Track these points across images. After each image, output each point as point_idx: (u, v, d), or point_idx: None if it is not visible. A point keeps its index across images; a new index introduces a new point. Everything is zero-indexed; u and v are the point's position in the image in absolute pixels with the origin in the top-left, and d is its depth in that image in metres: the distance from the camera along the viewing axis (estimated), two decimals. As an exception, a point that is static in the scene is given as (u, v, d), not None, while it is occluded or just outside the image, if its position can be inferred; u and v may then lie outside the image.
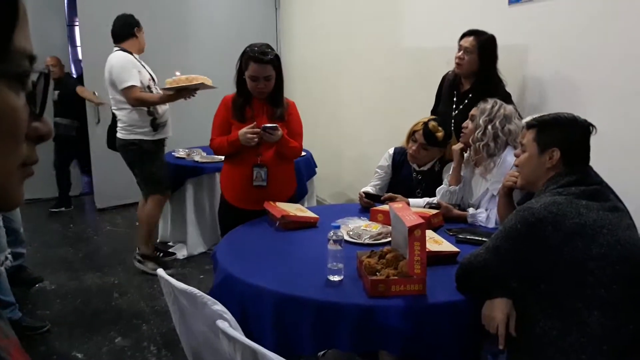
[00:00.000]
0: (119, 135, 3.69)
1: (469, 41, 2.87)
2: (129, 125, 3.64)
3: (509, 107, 2.41)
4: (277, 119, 2.61)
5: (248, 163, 2.62)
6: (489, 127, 2.35)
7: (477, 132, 2.37)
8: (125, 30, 3.73)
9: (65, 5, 6.22)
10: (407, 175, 2.81)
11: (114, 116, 3.76)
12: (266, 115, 2.63)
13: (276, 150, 2.63)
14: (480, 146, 2.37)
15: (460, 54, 2.90)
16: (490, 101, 2.41)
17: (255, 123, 2.54)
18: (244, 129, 2.52)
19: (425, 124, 2.67)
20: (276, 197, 2.62)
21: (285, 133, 2.62)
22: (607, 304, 1.43)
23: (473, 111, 2.44)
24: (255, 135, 2.51)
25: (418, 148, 2.68)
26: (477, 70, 2.87)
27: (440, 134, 2.65)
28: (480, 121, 2.37)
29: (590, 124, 1.67)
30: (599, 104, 2.54)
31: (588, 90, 2.62)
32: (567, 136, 1.66)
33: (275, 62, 2.56)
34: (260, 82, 2.54)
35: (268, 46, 2.59)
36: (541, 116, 1.76)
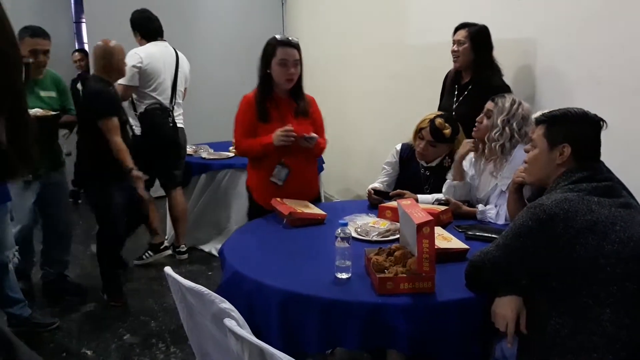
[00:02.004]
0: (182, 125, 3.94)
1: (460, 34, 2.94)
2: None
3: (527, 106, 2.35)
4: (301, 115, 2.61)
5: (274, 162, 2.59)
6: (507, 128, 2.30)
7: (495, 132, 2.31)
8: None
9: (72, 2, 6.23)
10: (415, 171, 2.78)
11: (163, 114, 3.76)
12: (292, 113, 2.62)
13: (306, 151, 2.60)
14: (497, 146, 2.32)
15: (454, 47, 2.96)
16: (509, 98, 2.34)
17: (290, 126, 2.50)
18: (278, 131, 2.48)
19: (432, 120, 2.64)
20: (299, 198, 2.58)
21: (312, 130, 2.62)
22: (619, 302, 1.41)
23: (489, 106, 2.37)
24: (290, 137, 2.48)
25: (426, 145, 2.65)
26: (473, 61, 2.92)
27: (447, 131, 2.61)
28: (498, 121, 2.31)
29: (601, 119, 1.64)
30: (611, 98, 2.50)
31: (600, 84, 2.58)
32: (577, 132, 1.63)
33: (299, 48, 2.58)
34: (289, 66, 2.52)
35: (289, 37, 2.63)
36: (551, 112, 1.73)
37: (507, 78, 2.91)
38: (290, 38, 2.58)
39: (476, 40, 2.89)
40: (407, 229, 1.81)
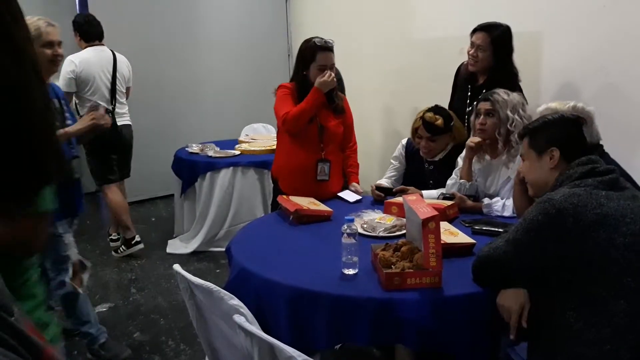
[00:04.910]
0: (128, 122, 4.14)
1: (480, 38, 2.76)
2: None
3: (514, 93, 2.42)
4: (336, 112, 2.73)
5: (310, 158, 2.70)
6: (517, 116, 2.34)
7: (509, 124, 2.35)
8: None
9: (77, 0, 6.25)
10: (419, 166, 2.80)
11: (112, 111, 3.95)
12: (325, 108, 2.71)
13: (337, 141, 2.78)
14: (515, 136, 2.33)
15: (472, 51, 2.80)
16: (501, 92, 2.40)
17: (331, 73, 2.59)
18: (321, 78, 2.57)
19: (422, 117, 2.67)
20: (332, 190, 2.74)
21: (342, 131, 2.78)
22: (633, 293, 1.41)
23: (486, 106, 2.40)
24: (333, 78, 2.59)
25: (426, 142, 2.69)
26: (492, 66, 2.79)
27: (439, 122, 2.64)
28: (507, 112, 2.35)
29: (578, 117, 1.71)
30: (619, 90, 2.49)
31: (608, 76, 2.57)
32: (560, 133, 1.69)
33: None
34: (327, 71, 2.61)
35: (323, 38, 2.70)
36: (529, 123, 1.82)
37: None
38: (328, 42, 2.64)
39: (498, 47, 2.75)
40: (413, 224, 1.82)
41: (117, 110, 4.01)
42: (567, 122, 1.72)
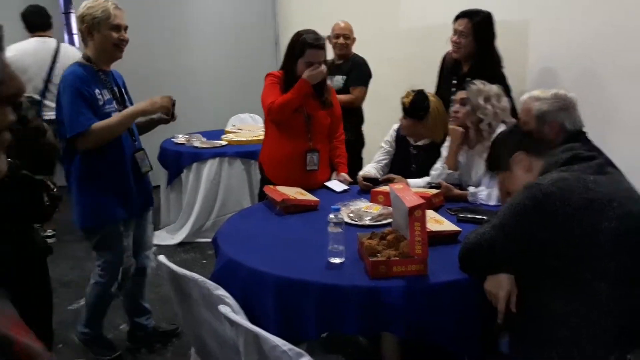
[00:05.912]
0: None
1: (462, 24, 2.80)
2: None
3: (494, 85, 2.46)
4: (324, 106, 2.72)
5: (299, 148, 2.68)
6: (488, 105, 2.39)
7: (479, 112, 2.39)
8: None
9: (60, -8, 6.15)
10: (405, 150, 2.83)
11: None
12: (312, 99, 2.68)
13: (325, 131, 2.79)
14: (485, 125, 2.39)
15: (455, 38, 2.83)
16: (478, 82, 2.45)
17: (323, 68, 2.59)
18: (309, 71, 2.55)
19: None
20: (320, 180, 2.74)
21: (330, 122, 2.77)
22: (616, 275, 1.42)
23: (462, 95, 2.46)
24: (321, 70, 2.56)
25: (401, 119, 2.76)
26: (475, 52, 2.82)
27: (405, 100, 2.68)
28: (480, 100, 2.39)
29: (515, 122, 1.76)
30: (607, 80, 2.50)
31: (594, 66, 2.58)
32: (513, 141, 1.74)
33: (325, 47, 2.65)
34: (316, 65, 2.58)
35: (317, 32, 2.64)
36: (487, 158, 1.89)
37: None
38: (319, 38, 2.59)
39: (479, 32, 2.77)
40: (400, 212, 1.82)
41: (46, 103, 3.88)
42: (511, 130, 1.82)
